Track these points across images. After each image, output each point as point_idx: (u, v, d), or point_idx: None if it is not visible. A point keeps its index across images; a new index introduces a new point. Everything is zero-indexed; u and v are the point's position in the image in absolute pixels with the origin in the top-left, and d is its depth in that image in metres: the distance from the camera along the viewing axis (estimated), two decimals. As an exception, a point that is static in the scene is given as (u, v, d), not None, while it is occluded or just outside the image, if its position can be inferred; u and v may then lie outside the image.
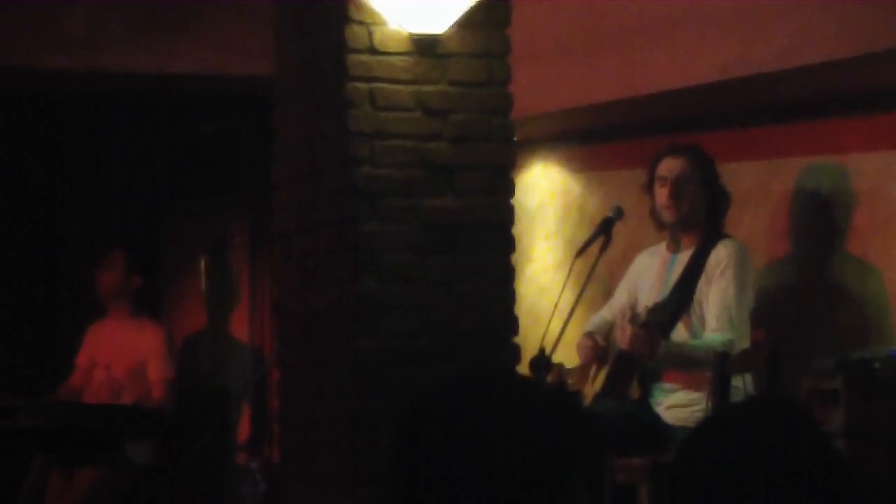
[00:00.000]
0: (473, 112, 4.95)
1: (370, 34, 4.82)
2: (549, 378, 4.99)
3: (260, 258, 7.16)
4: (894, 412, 4.65)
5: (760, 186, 5.87)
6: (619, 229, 5.31)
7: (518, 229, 5.11)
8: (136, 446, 6.17)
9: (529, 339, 5.40)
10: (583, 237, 5.48)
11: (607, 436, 4.90)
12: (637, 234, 5.69)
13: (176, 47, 6.09)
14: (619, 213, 5.28)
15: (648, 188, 5.30)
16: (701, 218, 5.26)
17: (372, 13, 4.81)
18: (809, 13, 5.16)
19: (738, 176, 5.88)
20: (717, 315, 5.05)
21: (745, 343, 5.06)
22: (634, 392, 5.17)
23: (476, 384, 1.89)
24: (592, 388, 5.23)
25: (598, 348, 5.25)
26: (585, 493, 1.88)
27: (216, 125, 7.42)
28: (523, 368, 4.95)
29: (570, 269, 5.23)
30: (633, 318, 4.94)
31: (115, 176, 7.62)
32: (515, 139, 5.13)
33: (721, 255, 5.12)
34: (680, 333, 5.08)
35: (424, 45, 4.87)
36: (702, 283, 5.11)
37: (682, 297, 5.08)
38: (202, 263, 7.34)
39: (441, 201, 4.90)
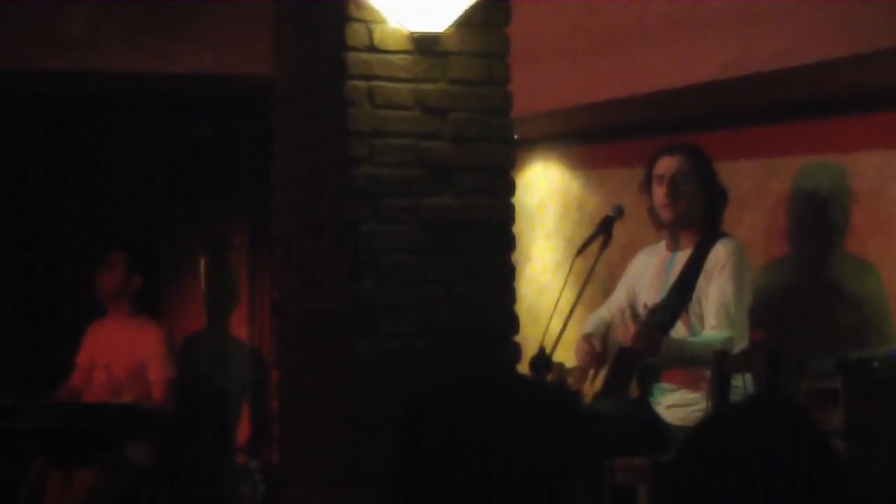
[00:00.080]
0: (473, 111, 4.95)
1: (370, 32, 4.82)
2: (549, 377, 4.99)
3: (259, 259, 7.15)
4: (893, 412, 4.65)
5: (760, 186, 5.87)
6: (618, 228, 5.31)
7: (518, 228, 5.11)
8: (136, 447, 6.17)
9: (529, 338, 5.40)
10: (582, 236, 5.49)
11: (607, 435, 4.90)
12: (637, 233, 5.69)
13: (175, 48, 6.09)
14: (618, 213, 5.28)
15: (646, 188, 5.31)
16: (699, 217, 5.26)
17: (372, 11, 4.81)
18: (808, 13, 5.16)
19: (738, 175, 5.88)
20: (715, 313, 5.05)
21: (743, 341, 5.07)
22: (634, 392, 5.17)
23: (476, 384, 1.89)
24: (592, 387, 5.24)
25: (595, 353, 5.25)
26: (585, 494, 1.88)
27: (216, 126, 7.42)
28: (523, 368, 4.95)
29: (570, 269, 5.23)
30: (635, 315, 4.95)
31: (115, 177, 7.61)
32: (515, 138, 5.13)
33: (720, 253, 5.13)
34: (679, 332, 5.08)
35: (424, 44, 4.87)
36: (701, 282, 5.11)
37: (681, 296, 5.08)
38: (202, 264, 7.34)
39: (440, 201, 4.90)
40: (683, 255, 5.23)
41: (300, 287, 5.07)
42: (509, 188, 5.03)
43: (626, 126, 6.30)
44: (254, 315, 7.21)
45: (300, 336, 5.07)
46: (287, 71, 5.16)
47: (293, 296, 5.11)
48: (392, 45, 4.84)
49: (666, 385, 5.16)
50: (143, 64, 6.10)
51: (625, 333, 4.96)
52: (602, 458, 4.86)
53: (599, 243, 5.20)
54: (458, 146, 4.92)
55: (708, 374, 4.97)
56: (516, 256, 5.11)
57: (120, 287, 6.49)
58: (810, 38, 5.15)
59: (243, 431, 7.11)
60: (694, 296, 5.10)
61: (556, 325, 4.99)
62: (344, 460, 4.81)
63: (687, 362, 5.04)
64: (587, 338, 5.32)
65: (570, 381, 5.33)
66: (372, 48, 4.82)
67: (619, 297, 5.44)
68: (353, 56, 4.80)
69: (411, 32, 4.85)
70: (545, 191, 6.76)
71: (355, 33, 4.81)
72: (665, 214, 5.25)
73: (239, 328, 7.27)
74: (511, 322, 4.98)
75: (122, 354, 6.40)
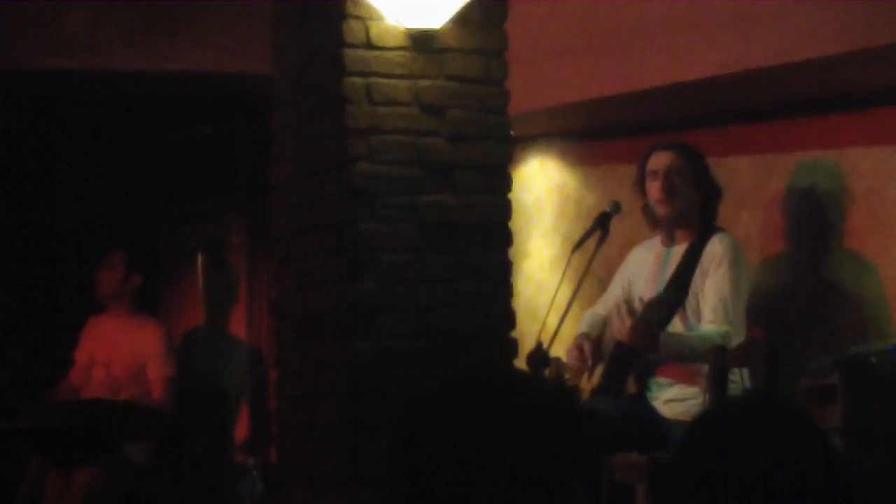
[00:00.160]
0: (470, 109, 4.95)
1: (367, 29, 4.82)
2: (547, 373, 4.99)
3: (258, 259, 7.15)
4: (892, 408, 4.65)
5: (758, 183, 5.87)
6: (616, 224, 5.32)
7: (515, 225, 5.11)
8: (135, 446, 6.17)
9: (527, 334, 5.40)
10: (580, 232, 5.49)
11: (605, 432, 4.90)
12: (634, 229, 5.69)
13: (174, 48, 6.09)
14: (616, 208, 5.29)
15: (639, 186, 5.32)
16: (694, 212, 5.27)
17: (369, 8, 4.81)
18: (807, 11, 5.16)
19: (737, 173, 5.89)
20: (712, 308, 5.06)
21: (740, 336, 5.07)
22: (631, 387, 5.18)
23: (475, 383, 1.90)
24: (590, 383, 5.24)
25: (583, 358, 5.26)
26: (584, 492, 1.88)
27: (215, 126, 7.42)
28: (521, 363, 4.95)
29: (567, 265, 5.24)
30: (632, 310, 4.95)
31: (114, 176, 7.61)
32: (512, 136, 5.13)
33: (716, 248, 5.13)
34: (675, 327, 5.09)
35: (421, 41, 4.87)
36: (697, 277, 5.11)
37: (677, 292, 5.09)
38: (199, 263, 7.34)
39: (439, 199, 4.90)
40: (679, 251, 5.23)
41: (299, 286, 5.07)
42: (507, 185, 5.03)
43: (625, 123, 6.30)
44: (252, 315, 7.21)
45: (299, 336, 5.07)
46: (286, 70, 5.16)
47: (292, 295, 5.11)
48: (389, 42, 4.84)
49: (663, 380, 5.16)
50: (142, 63, 6.10)
51: (621, 328, 4.96)
52: (601, 456, 4.86)
53: (596, 239, 5.20)
54: (456, 144, 4.92)
55: (705, 369, 4.98)
56: (513, 253, 5.11)
57: (120, 286, 6.49)
58: (809, 36, 5.15)
59: (242, 431, 7.11)
60: (690, 291, 5.10)
61: (553, 321, 4.99)
62: (343, 460, 4.81)
63: (684, 357, 5.05)
64: (579, 341, 5.31)
65: (567, 376, 5.33)
66: (369, 45, 4.82)
67: (614, 292, 5.45)
68: (350, 53, 4.80)
69: (408, 29, 4.85)
70: (543, 188, 6.76)
71: (352, 30, 4.81)
72: (661, 210, 5.26)
73: (238, 328, 7.27)
74: (509, 320, 4.98)
75: (121, 353, 6.40)
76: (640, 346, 4.96)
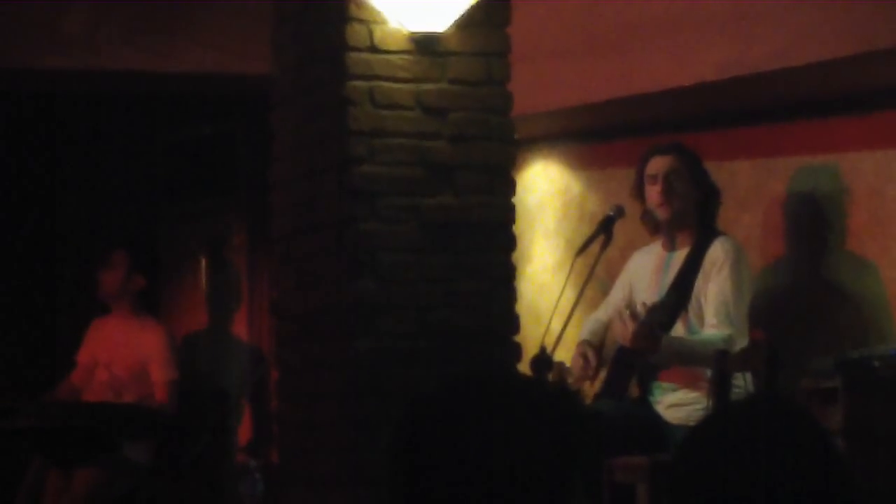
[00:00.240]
0: (473, 111, 4.94)
1: (370, 32, 4.81)
2: (550, 377, 4.99)
3: (258, 258, 7.15)
4: (893, 411, 4.65)
5: (759, 185, 5.87)
6: (619, 228, 5.31)
7: (518, 228, 5.11)
8: (135, 446, 6.16)
9: (530, 338, 5.40)
10: (583, 236, 5.49)
11: (607, 435, 4.90)
12: (637, 232, 5.68)
13: (174, 47, 6.09)
14: (619, 212, 5.28)
15: (638, 192, 5.30)
16: (694, 215, 5.26)
17: (372, 11, 4.81)
18: (807, 13, 5.16)
19: (737, 175, 5.89)
20: (715, 312, 5.05)
21: (743, 339, 5.07)
22: (634, 391, 5.18)
23: (476, 384, 1.89)
24: (592, 387, 5.24)
25: (591, 367, 5.25)
26: (584, 493, 1.88)
27: (215, 125, 7.42)
28: (524, 367, 4.95)
29: (571, 268, 5.24)
30: (634, 314, 4.95)
31: (114, 176, 7.61)
32: (515, 138, 5.13)
33: (718, 252, 5.13)
34: (677, 331, 5.08)
35: (424, 44, 4.87)
36: (699, 281, 5.11)
37: (679, 296, 5.08)
38: (202, 263, 7.34)
39: (440, 200, 4.90)
40: (681, 255, 5.23)
41: (299, 286, 5.06)
42: (509, 188, 5.03)
43: (627, 126, 6.30)
44: (253, 314, 7.21)
45: (299, 335, 5.07)
46: (286, 70, 5.16)
47: (292, 295, 5.11)
48: (392, 45, 4.84)
49: (665, 384, 5.16)
50: (142, 63, 6.10)
51: (623, 332, 4.95)
52: (602, 458, 4.86)
53: (600, 243, 5.20)
54: (458, 146, 4.92)
55: (707, 373, 4.98)
56: (516, 256, 5.11)
57: (121, 286, 6.49)
58: (809, 38, 5.15)
59: (245, 431, 7.10)
60: (692, 295, 5.10)
61: (556, 325, 4.99)
62: (343, 460, 4.81)
63: (686, 361, 5.04)
64: (583, 347, 5.31)
65: (570, 380, 5.33)
66: (372, 48, 4.82)
67: (616, 297, 5.45)
68: (353, 56, 4.80)
69: (411, 32, 4.84)
70: (545, 190, 6.76)
71: (355, 33, 4.80)
72: (661, 213, 5.25)
73: (238, 327, 7.27)
74: (511, 322, 4.98)
75: (123, 354, 6.40)
76: (642, 349, 4.96)
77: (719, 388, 4.77)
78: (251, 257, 7.25)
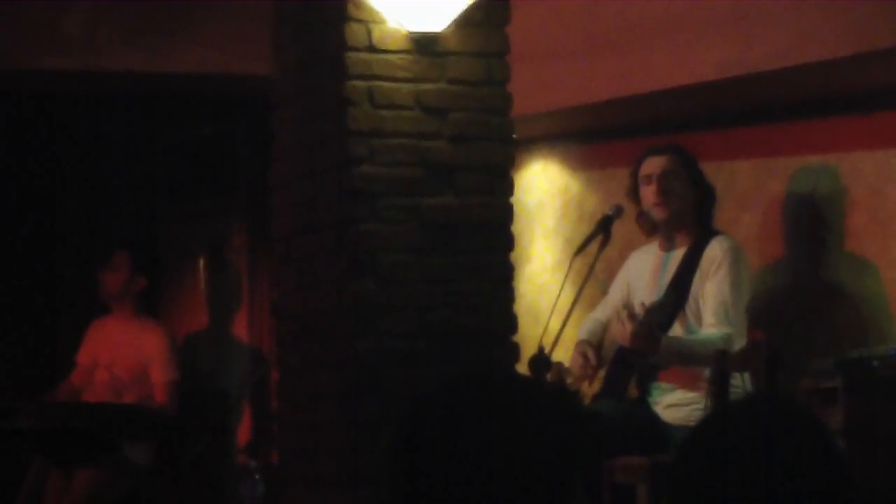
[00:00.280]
0: (472, 111, 4.95)
1: (369, 32, 4.82)
2: (549, 377, 4.99)
3: (259, 259, 7.15)
4: (893, 411, 4.64)
5: (759, 186, 5.87)
6: (617, 227, 5.31)
7: (517, 228, 5.11)
8: (136, 447, 6.16)
9: (528, 337, 5.40)
10: (582, 236, 5.49)
11: (606, 435, 4.90)
12: (636, 232, 5.68)
13: (174, 48, 6.08)
14: (618, 212, 5.28)
15: (633, 194, 5.30)
16: (690, 215, 5.26)
17: (371, 11, 4.81)
18: (808, 13, 5.16)
19: (737, 175, 5.89)
20: (713, 311, 5.05)
21: (742, 338, 5.07)
22: (633, 391, 5.17)
23: (476, 384, 1.90)
24: (591, 387, 5.23)
25: (589, 365, 5.25)
26: (584, 493, 1.88)
27: (215, 126, 7.41)
28: (522, 367, 4.95)
29: (569, 268, 5.23)
30: (633, 315, 4.94)
31: (114, 176, 7.61)
32: (514, 138, 5.13)
33: (716, 251, 5.13)
34: (675, 331, 5.08)
35: (423, 44, 4.87)
36: (697, 280, 5.11)
37: (678, 295, 5.08)
38: (202, 263, 7.34)
39: (440, 201, 4.90)
40: (678, 254, 5.23)
41: (299, 287, 5.07)
42: (508, 188, 5.03)
43: (626, 126, 6.29)
44: (253, 315, 7.21)
45: (299, 336, 5.07)
46: (286, 70, 5.16)
47: (292, 296, 5.11)
48: (391, 45, 4.84)
49: (664, 384, 5.16)
50: (142, 63, 6.09)
51: (622, 333, 4.95)
52: (602, 458, 4.86)
53: (598, 242, 5.19)
54: (458, 146, 4.92)
55: (706, 373, 4.98)
56: (515, 256, 5.11)
57: (123, 287, 6.49)
58: (810, 37, 5.15)
59: (245, 433, 7.10)
60: (690, 294, 5.10)
61: (555, 325, 4.99)
62: (343, 460, 4.81)
63: (686, 360, 5.04)
64: (581, 347, 5.31)
65: (569, 380, 5.33)
66: (371, 48, 4.82)
67: (614, 297, 5.45)
68: (352, 56, 4.80)
69: (410, 32, 4.85)
70: (544, 190, 6.76)
71: (354, 33, 4.81)
72: (658, 214, 5.25)
73: (238, 328, 7.27)
74: (510, 321, 4.98)
75: (124, 355, 6.40)
76: (641, 350, 4.96)
77: (718, 388, 4.77)
78: (251, 258, 7.24)
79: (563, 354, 5.30)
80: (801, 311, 5.69)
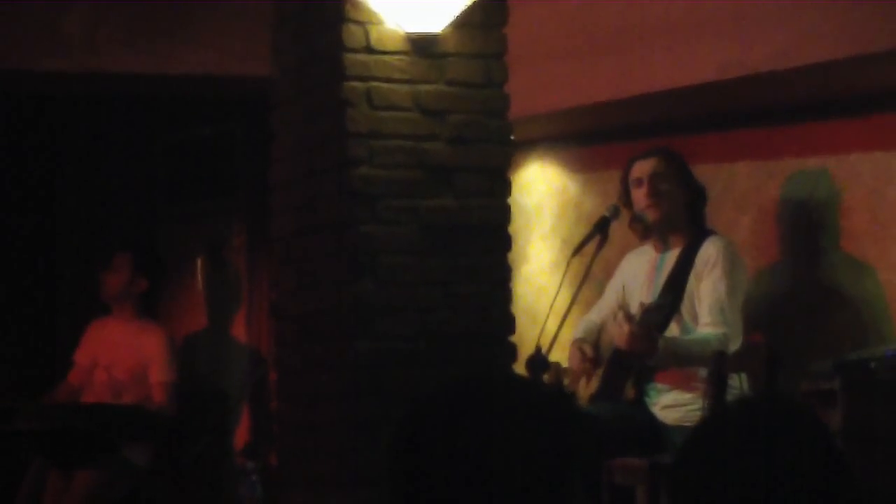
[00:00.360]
0: (471, 112, 4.95)
1: (367, 33, 4.82)
2: (546, 377, 4.99)
3: (258, 260, 7.15)
4: (891, 412, 4.65)
5: (758, 187, 5.87)
6: (615, 229, 5.31)
7: (515, 229, 5.12)
8: (135, 448, 6.17)
9: (526, 338, 5.40)
10: (579, 236, 5.49)
11: (604, 437, 4.91)
12: (633, 233, 5.69)
13: (174, 49, 6.08)
14: (615, 213, 5.28)
15: (625, 198, 5.30)
16: (683, 215, 5.27)
17: (369, 12, 4.81)
18: (807, 14, 5.16)
19: (736, 177, 5.89)
20: (709, 310, 5.05)
21: (738, 337, 5.07)
22: (630, 393, 5.18)
23: (475, 386, 1.90)
24: (588, 389, 5.23)
25: (588, 359, 5.25)
26: (583, 495, 1.89)
27: (214, 126, 7.42)
28: (520, 368, 4.95)
29: (567, 269, 5.24)
30: (629, 316, 4.94)
31: (114, 177, 7.61)
32: (513, 139, 5.13)
33: (710, 251, 5.13)
34: (671, 331, 5.08)
35: (421, 45, 4.87)
36: (691, 280, 5.11)
37: (674, 296, 5.09)
38: (201, 264, 7.34)
39: (438, 202, 4.90)
40: (673, 255, 5.23)
41: (299, 288, 5.07)
42: (506, 189, 5.04)
43: (624, 127, 6.29)
44: (253, 316, 7.21)
45: (299, 337, 5.07)
46: (285, 72, 5.17)
47: (292, 296, 5.12)
48: (389, 46, 4.84)
49: (660, 385, 5.16)
50: (141, 65, 6.09)
51: (620, 334, 4.95)
52: (601, 460, 4.86)
53: (596, 243, 5.20)
54: (456, 147, 4.92)
55: (702, 374, 4.98)
56: (513, 257, 5.12)
57: (124, 289, 6.48)
58: (809, 39, 5.15)
59: (244, 432, 7.11)
60: (685, 295, 5.10)
61: (552, 326, 4.99)
62: (343, 461, 4.82)
63: (683, 361, 5.04)
64: (578, 343, 5.31)
65: (566, 381, 5.34)
66: (369, 49, 4.82)
67: (609, 299, 5.45)
68: (350, 57, 4.80)
69: (408, 33, 4.85)
70: (542, 192, 6.76)
71: (352, 34, 4.81)
72: (650, 215, 5.25)
73: (238, 328, 7.27)
74: (508, 323, 4.98)
75: (123, 356, 6.40)
76: (639, 351, 4.96)
77: (716, 389, 4.77)
78: (251, 258, 7.25)
79: (560, 355, 5.31)
80: (800, 312, 5.69)
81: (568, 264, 5.23)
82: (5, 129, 7.44)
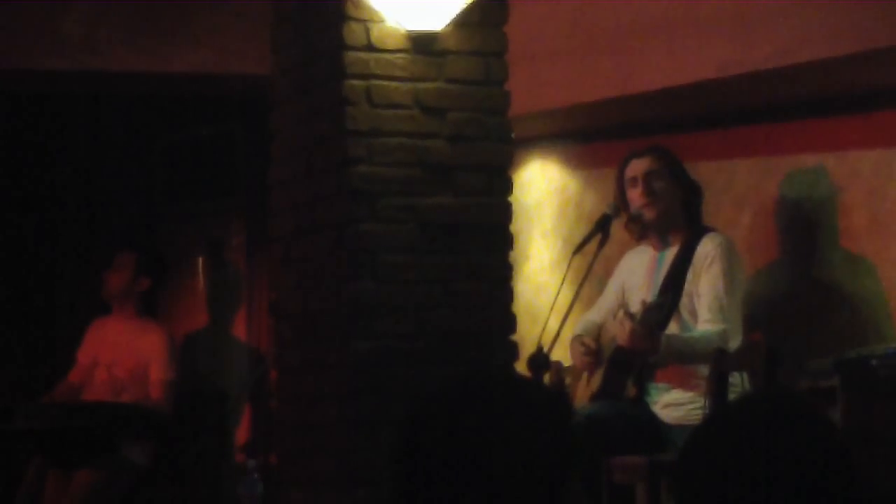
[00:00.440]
0: (471, 110, 4.94)
1: (367, 31, 4.81)
2: (548, 376, 4.99)
3: (257, 259, 7.15)
4: (892, 410, 4.65)
5: (758, 185, 5.87)
6: (616, 227, 5.31)
7: (515, 227, 5.11)
8: (134, 447, 6.16)
9: (527, 337, 5.40)
10: (580, 235, 5.49)
11: (605, 435, 4.90)
12: (634, 231, 5.68)
13: (173, 48, 6.09)
14: (616, 211, 5.28)
15: (620, 199, 5.30)
16: (679, 213, 5.27)
17: (369, 10, 4.81)
18: (807, 12, 5.16)
19: (736, 175, 5.89)
20: (708, 307, 5.05)
21: (737, 333, 5.07)
22: (631, 391, 5.17)
23: (476, 386, 1.90)
24: (589, 387, 5.23)
25: (591, 352, 5.25)
26: (583, 493, 1.89)
27: (214, 126, 7.41)
28: (521, 367, 4.94)
29: (568, 267, 5.23)
30: (631, 315, 4.94)
31: (113, 177, 7.61)
32: (513, 137, 5.12)
33: (708, 247, 5.13)
34: (671, 329, 5.08)
35: (422, 43, 4.87)
36: (690, 278, 5.11)
37: (674, 294, 5.09)
38: (201, 264, 7.34)
39: (438, 200, 4.90)
40: (672, 253, 5.23)
41: (298, 287, 5.06)
42: (507, 187, 5.03)
43: (625, 125, 6.29)
44: (252, 315, 7.21)
45: (298, 336, 5.07)
46: (285, 70, 5.16)
47: (291, 296, 5.11)
48: (390, 45, 4.84)
49: (661, 384, 5.16)
50: (140, 64, 6.10)
51: (621, 333, 4.94)
52: (600, 458, 4.86)
53: (597, 242, 5.19)
54: (456, 145, 4.92)
55: (703, 372, 4.98)
56: (514, 255, 5.11)
57: (126, 288, 6.48)
58: (809, 37, 5.15)
59: (244, 431, 7.11)
60: (684, 292, 5.10)
61: (553, 324, 4.98)
62: (342, 460, 4.81)
63: (686, 358, 5.04)
64: (578, 339, 5.31)
65: (567, 380, 5.33)
66: (369, 47, 4.82)
67: (608, 299, 5.45)
68: (350, 55, 4.80)
69: (409, 31, 4.84)
70: (543, 190, 6.76)
71: (353, 32, 4.80)
72: (647, 213, 5.25)
73: (237, 328, 7.27)
74: (509, 322, 4.98)
75: (124, 355, 6.40)
76: (642, 349, 4.96)
77: (717, 387, 4.77)
78: (250, 258, 7.25)
79: (561, 353, 5.30)
80: (800, 310, 5.69)
81: (569, 263, 5.23)
82: (5, 128, 7.43)
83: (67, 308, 7.43)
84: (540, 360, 4.77)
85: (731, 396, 4.82)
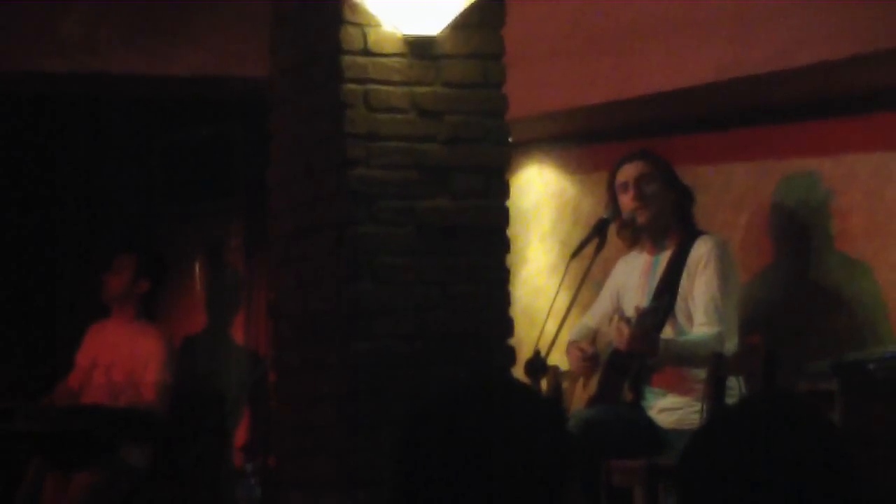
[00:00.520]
0: (468, 114, 4.94)
1: (364, 35, 4.82)
2: (545, 380, 5.00)
3: (256, 260, 7.15)
4: (890, 413, 4.65)
5: (756, 188, 5.86)
6: (613, 230, 5.31)
7: (513, 231, 5.11)
8: (133, 449, 6.17)
9: (524, 340, 5.40)
10: (578, 238, 5.49)
11: (602, 440, 4.91)
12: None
13: (172, 50, 6.09)
14: (614, 215, 5.28)
15: (612, 205, 5.30)
16: (671, 217, 5.27)
17: (366, 14, 4.81)
18: (806, 14, 5.16)
19: (734, 177, 5.88)
20: (703, 309, 5.05)
21: (733, 335, 5.07)
22: (627, 395, 5.18)
23: (475, 388, 1.91)
24: (586, 391, 5.23)
25: (588, 355, 5.25)
26: (581, 496, 1.89)
27: (213, 128, 7.42)
28: (518, 371, 4.95)
29: (566, 271, 5.24)
30: (627, 319, 4.94)
31: (113, 178, 7.61)
32: (510, 140, 5.13)
33: (701, 250, 5.14)
34: (666, 333, 5.08)
35: (419, 47, 4.87)
36: (684, 281, 5.12)
37: (669, 297, 5.09)
38: (198, 265, 7.34)
39: (436, 203, 4.90)
40: (666, 257, 5.24)
41: (297, 288, 5.07)
42: (504, 190, 5.03)
43: (623, 128, 6.29)
44: (251, 317, 7.22)
45: (296, 337, 5.07)
46: (283, 73, 5.17)
47: (290, 297, 5.11)
48: (387, 49, 4.84)
49: (657, 389, 5.16)
50: (140, 66, 6.10)
51: (619, 337, 4.95)
52: (599, 461, 4.87)
53: (594, 245, 5.20)
54: (454, 148, 4.92)
55: (699, 376, 4.98)
56: (511, 259, 5.11)
57: (126, 290, 6.49)
58: (807, 39, 5.15)
59: (243, 433, 7.11)
60: (678, 295, 5.10)
61: (551, 328, 4.99)
62: (341, 461, 4.81)
63: (683, 361, 5.05)
64: (575, 344, 5.32)
65: (564, 384, 5.34)
66: (367, 51, 4.82)
67: (603, 304, 5.45)
68: (348, 59, 4.80)
69: (406, 35, 4.84)
70: (540, 193, 6.75)
71: (350, 36, 4.81)
72: (640, 218, 5.25)
73: (236, 330, 7.27)
74: (506, 325, 4.98)
75: (122, 358, 6.40)
76: (640, 353, 4.96)
77: (714, 391, 4.77)
78: (249, 260, 7.25)
79: (559, 358, 5.31)
80: (798, 313, 5.69)
81: (567, 266, 5.23)
82: (5, 129, 7.44)
83: (67, 308, 7.44)
84: (537, 364, 4.78)
85: (728, 400, 4.83)
